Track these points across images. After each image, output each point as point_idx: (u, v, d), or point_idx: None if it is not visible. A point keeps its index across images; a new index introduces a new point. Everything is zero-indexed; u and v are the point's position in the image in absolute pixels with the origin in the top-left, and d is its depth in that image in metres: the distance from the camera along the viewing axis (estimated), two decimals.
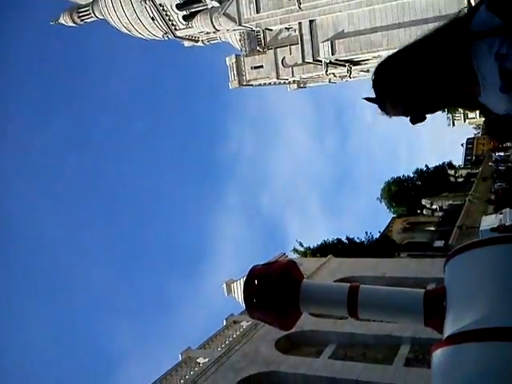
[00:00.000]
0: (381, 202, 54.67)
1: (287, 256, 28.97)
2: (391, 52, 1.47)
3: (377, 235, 40.03)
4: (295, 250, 36.04)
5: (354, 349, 16.51)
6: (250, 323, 19.36)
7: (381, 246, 35.63)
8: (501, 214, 25.56)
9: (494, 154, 48.65)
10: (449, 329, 1.97)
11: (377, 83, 1.47)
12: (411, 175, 56.47)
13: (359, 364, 14.84)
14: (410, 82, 1.41)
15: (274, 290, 2.30)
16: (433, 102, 1.46)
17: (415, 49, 1.42)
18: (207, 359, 17.21)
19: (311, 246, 37.10)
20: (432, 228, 43.95)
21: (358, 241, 36.95)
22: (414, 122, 1.49)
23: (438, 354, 1.91)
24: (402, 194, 51.66)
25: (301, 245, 37.20)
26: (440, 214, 46.13)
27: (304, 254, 35.48)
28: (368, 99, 1.52)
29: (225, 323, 20.35)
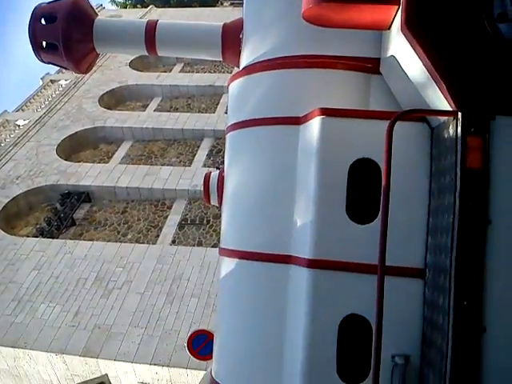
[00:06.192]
0: None
1: (104, 8, 26.15)
2: None
3: None
4: (113, 2, 32.59)
5: (178, 101, 17.11)
6: (69, 81, 18.30)
7: None
8: None
9: None
10: (245, 61, 2.06)
11: None
12: None
13: (184, 114, 15.64)
14: None
15: (62, 28, 2.05)
16: None
17: None
18: (27, 121, 16.38)
19: None
20: None
21: None
22: None
23: (234, 85, 2.02)
24: None
25: None
26: None
27: (124, 6, 32.49)
28: None
29: (41, 83, 18.94)
